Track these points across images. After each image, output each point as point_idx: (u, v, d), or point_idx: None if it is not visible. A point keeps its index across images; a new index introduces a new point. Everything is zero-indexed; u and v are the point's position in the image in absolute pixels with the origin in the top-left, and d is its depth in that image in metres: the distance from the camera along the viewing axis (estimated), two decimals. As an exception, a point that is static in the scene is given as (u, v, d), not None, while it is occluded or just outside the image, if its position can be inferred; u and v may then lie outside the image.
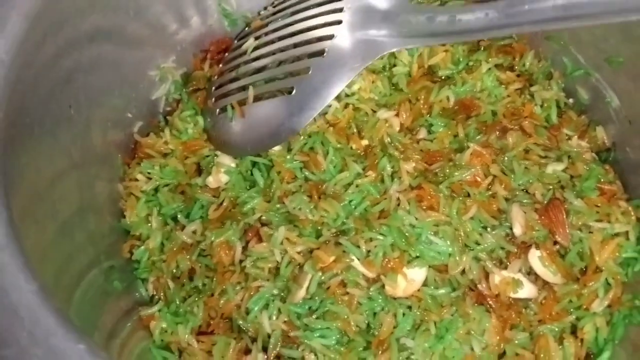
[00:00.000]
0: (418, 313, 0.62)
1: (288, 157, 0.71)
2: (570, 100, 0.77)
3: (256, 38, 0.76)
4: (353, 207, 0.67)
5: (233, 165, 0.72)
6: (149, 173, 0.72)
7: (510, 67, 0.78)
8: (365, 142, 0.72)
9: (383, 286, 0.62)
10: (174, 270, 0.68)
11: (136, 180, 0.72)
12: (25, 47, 0.51)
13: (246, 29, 0.81)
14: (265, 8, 0.80)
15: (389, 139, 0.71)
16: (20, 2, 0.51)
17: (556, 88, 0.76)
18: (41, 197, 0.51)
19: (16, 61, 0.50)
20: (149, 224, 0.70)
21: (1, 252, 0.40)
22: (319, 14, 0.71)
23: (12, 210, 0.42)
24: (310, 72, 0.67)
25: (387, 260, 0.63)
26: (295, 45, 0.71)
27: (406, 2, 0.70)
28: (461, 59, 0.76)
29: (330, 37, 0.68)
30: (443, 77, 0.77)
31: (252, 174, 0.72)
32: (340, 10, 0.69)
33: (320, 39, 0.69)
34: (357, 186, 0.68)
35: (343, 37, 0.68)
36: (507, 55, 0.78)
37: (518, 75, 0.77)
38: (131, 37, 0.69)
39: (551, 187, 0.68)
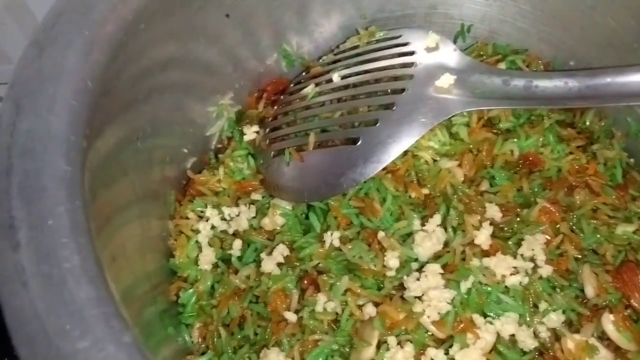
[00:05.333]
0: (490, 376, 0.58)
1: (344, 202, 0.68)
2: (631, 160, 0.75)
3: (317, 84, 0.74)
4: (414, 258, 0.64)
5: (289, 207, 0.69)
6: (201, 211, 0.69)
7: (571, 123, 0.77)
8: (425, 191, 0.70)
9: (451, 346, 0.59)
10: (224, 317, 0.64)
11: (187, 218, 0.69)
12: (106, 75, 0.49)
13: (303, 73, 0.79)
14: (330, 53, 0.79)
15: (452, 190, 0.69)
16: (105, 29, 0.50)
17: (618, 147, 0.74)
18: (109, 230, 0.48)
19: (98, 89, 0.47)
20: (198, 266, 0.66)
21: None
22: (390, 67, 0.69)
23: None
24: (378, 125, 0.64)
25: (458, 319, 0.59)
26: (362, 96, 0.69)
27: (478, 62, 0.68)
28: (522, 113, 0.75)
29: (401, 90, 0.65)
30: (503, 130, 0.75)
31: (307, 218, 0.69)
32: (412, 64, 0.68)
33: (390, 92, 0.67)
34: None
35: (414, 92, 0.65)
36: (567, 112, 0.77)
37: (579, 133, 0.76)
38: (198, 68, 0.67)
39: (622, 248, 0.65)
